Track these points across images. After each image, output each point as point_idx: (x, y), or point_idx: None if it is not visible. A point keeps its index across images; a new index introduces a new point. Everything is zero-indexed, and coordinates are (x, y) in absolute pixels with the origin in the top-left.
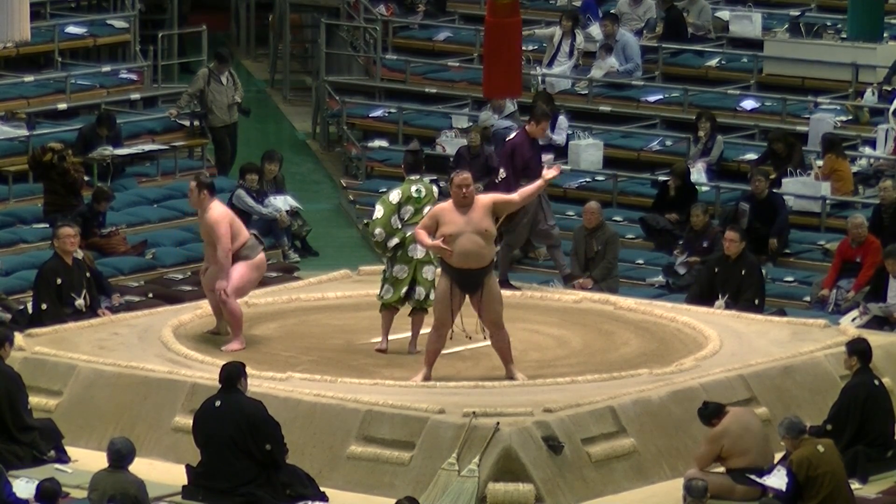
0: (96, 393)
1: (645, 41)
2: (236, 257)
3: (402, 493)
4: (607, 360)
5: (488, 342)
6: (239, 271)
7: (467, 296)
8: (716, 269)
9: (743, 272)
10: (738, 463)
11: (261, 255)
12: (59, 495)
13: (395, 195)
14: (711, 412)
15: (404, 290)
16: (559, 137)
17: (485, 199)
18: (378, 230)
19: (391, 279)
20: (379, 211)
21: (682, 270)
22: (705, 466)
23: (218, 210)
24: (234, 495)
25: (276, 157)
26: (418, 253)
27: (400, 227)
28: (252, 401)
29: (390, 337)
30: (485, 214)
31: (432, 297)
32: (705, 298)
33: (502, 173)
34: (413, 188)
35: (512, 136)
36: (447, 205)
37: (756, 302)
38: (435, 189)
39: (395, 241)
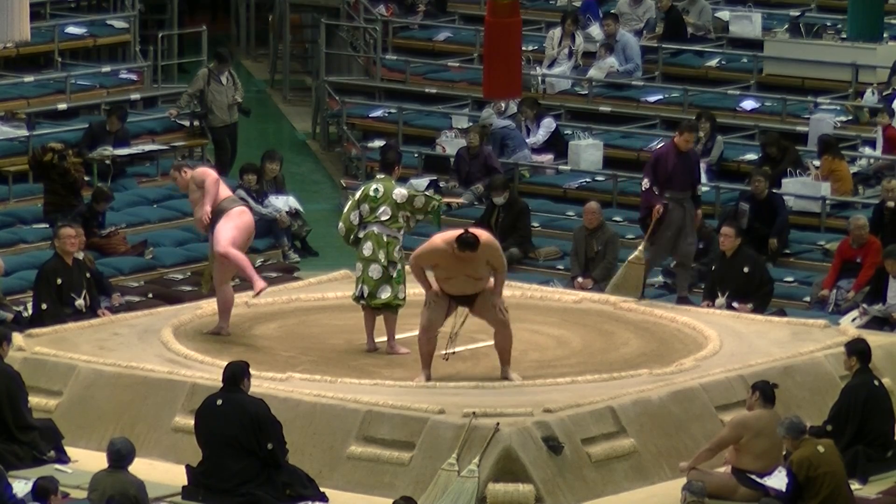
0: (96, 393)
1: (645, 41)
2: (216, 212)
3: (403, 494)
4: (607, 360)
5: (489, 342)
6: (222, 224)
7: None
8: (713, 268)
9: (746, 269)
10: (747, 464)
11: (241, 207)
12: (51, 493)
13: (358, 192)
14: (763, 387)
15: (359, 287)
16: (540, 135)
17: (485, 245)
18: (340, 225)
19: (356, 277)
20: (345, 207)
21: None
22: (719, 451)
23: (201, 167)
24: (234, 495)
25: (276, 157)
26: (366, 251)
27: (357, 223)
28: (254, 399)
29: (394, 337)
30: (481, 262)
31: (384, 295)
32: (713, 298)
33: (646, 183)
34: (373, 187)
35: (660, 146)
36: (447, 250)
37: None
38: (399, 191)
39: (352, 237)
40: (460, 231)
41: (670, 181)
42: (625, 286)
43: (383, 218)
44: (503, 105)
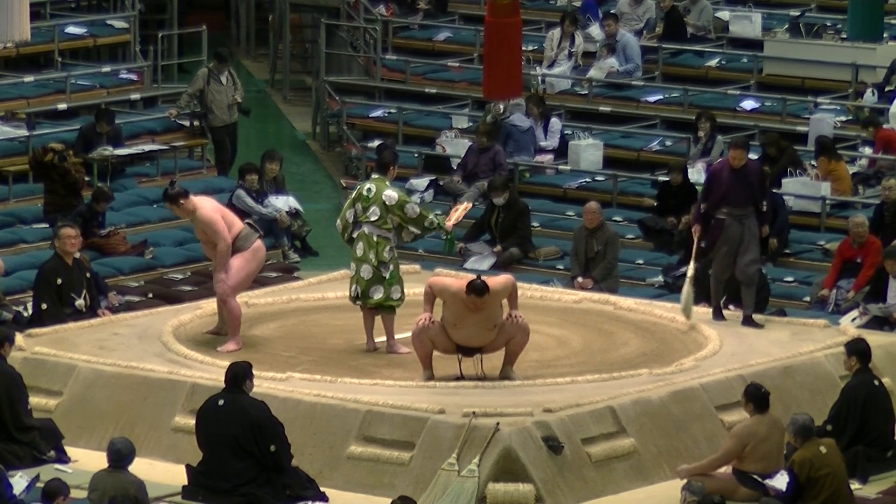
0: (96, 393)
1: (645, 41)
2: (232, 249)
3: (403, 494)
4: (607, 360)
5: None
6: (236, 265)
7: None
8: (709, 272)
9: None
10: (749, 467)
11: (257, 243)
12: (58, 495)
13: (354, 191)
14: (755, 394)
15: (353, 287)
16: (551, 141)
17: (497, 292)
18: (337, 222)
19: (350, 277)
20: (344, 205)
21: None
22: (728, 462)
23: (206, 206)
24: (234, 495)
25: (276, 157)
26: (358, 251)
27: (352, 221)
28: (256, 401)
29: (394, 336)
30: (494, 311)
31: (376, 296)
32: (707, 300)
33: (703, 206)
34: (367, 186)
35: (718, 160)
36: (460, 293)
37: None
38: (389, 193)
39: (346, 235)
40: (473, 277)
41: (725, 197)
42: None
43: (373, 218)
44: (501, 107)
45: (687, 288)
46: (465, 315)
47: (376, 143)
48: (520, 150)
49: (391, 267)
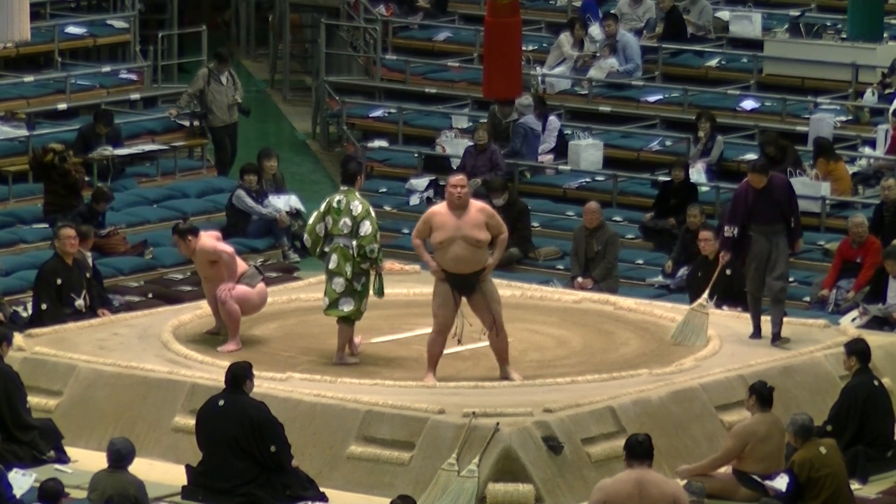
0: (96, 393)
1: (645, 41)
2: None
3: (403, 493)
4: (607, 360)
5: (487, 342)
6: (243, 289)
7: (465, 298)
8: (699, 273)
9: (728, 272)
10: (750, 467)
11: (261, 285)
12: (61, 495)
13: (324, 204)
14: (760, 390)
15: (324, 300)
16: (549, 141)
17: (481, 208)
18: (305, 236)
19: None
20: (311, 218)
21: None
22: (728, 462)
23: (209, 240)
24: (234, 495)
25: (273, 154)
26: (331, 265)
27: (323, 235)
28: (256, 402)
29: (392, 337)
30: (478, 224)
31: (346, 308)
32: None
33: (727, 228)
34: (337, 198)
35: (743, 181)
36: (441, 208)
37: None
38: (356, 204)
39: (318, 250)
40: None
41: (752, 216)
42: (685, 333)
43: (345, 230)
44: (515, 114)
45: (688, 316)
46: (450, 229)
47: (377, 143)
48: (533, 153)
49: (363, 278)
